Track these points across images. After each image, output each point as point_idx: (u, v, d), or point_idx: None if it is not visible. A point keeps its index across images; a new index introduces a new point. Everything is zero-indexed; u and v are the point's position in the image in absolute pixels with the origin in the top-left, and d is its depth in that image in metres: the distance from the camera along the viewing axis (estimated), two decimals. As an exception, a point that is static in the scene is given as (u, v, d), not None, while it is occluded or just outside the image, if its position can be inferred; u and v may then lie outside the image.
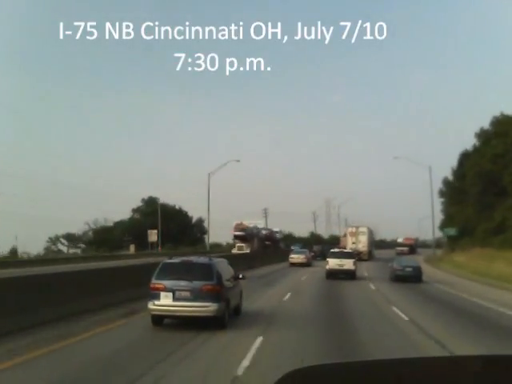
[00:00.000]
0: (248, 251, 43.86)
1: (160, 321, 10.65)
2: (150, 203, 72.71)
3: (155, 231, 62.11)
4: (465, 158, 54.61)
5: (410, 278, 23.86)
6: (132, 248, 58.76)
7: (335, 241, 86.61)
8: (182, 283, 10.29)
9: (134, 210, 76.94)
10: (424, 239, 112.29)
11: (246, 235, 47.31)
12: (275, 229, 63.71)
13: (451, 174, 58.68)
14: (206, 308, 10.14)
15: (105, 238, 66.73)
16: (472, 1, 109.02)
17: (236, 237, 48.03)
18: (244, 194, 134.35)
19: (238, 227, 48.10)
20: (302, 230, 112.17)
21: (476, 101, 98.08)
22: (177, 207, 78.48)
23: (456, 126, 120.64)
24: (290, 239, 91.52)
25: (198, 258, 11.88)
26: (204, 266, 10.77)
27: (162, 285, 10.33)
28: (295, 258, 39.21)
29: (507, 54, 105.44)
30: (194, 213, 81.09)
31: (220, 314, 10.29)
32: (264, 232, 55.82)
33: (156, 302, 10.26)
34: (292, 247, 57.02)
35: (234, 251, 44.30)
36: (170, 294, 10.24)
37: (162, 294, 10.26)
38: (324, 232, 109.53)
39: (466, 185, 49.70)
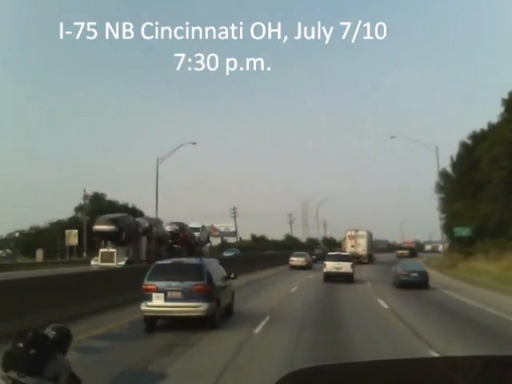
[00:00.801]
0: (123, 263, 28.30)
1: (152, 322, 13.95)
2: (96, 200, 74.97)
3: (75, 231, 58.08)
4: (475, 140, 55.54)
5: (416, 284, 26.79)
6: (39, 254, 54.63)
7: (313, 244, 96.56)
8: (174, 284, 13.64)
9: (77, 209, 78.87)
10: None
11: (120, 232, 29.25)
12: (193, 224, 46.75)
13: (450, 165, 61.52)
14: (197, 308, 13.50)
15: (36, 242, 68.10)
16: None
17: (98, 234, 30.17)
18: (215, 194, 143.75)
19: (104, 220, 30.30)
20: (277, 233, 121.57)
21: (474, 100, 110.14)
22: (130, 206, 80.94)
23: (452, 124, 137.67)
24: (262, 242, 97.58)
25: (188, 259, 15.33)
26: (194, 267, 14.20)
27: (153, 286, 13.69)
28: (295, 260, 46.64)
29: (507, 51, 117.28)
30: (153, 213, 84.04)
31: (211, 314, 13.67)
32: (168, 228, 38.32)
33: (148, 303, 13.60)
34: (225, 253, 57.65)
35: (95, 263, 29.22)
36: (162, 295, 13.59)
37: (154, 294, 13.60)
38: (301, 235, 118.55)
39: (477, 174, 49.54)
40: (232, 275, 16.31)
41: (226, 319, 15.21)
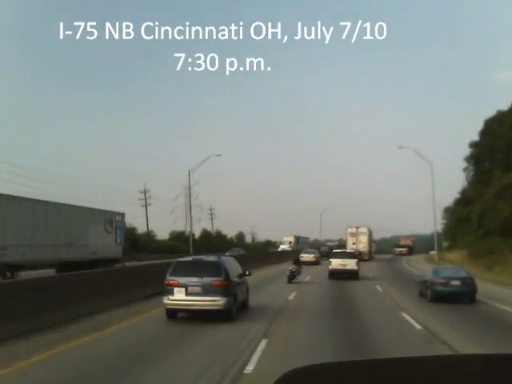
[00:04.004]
0: None
1: (174, 314, 14.85)
2: None
3: None
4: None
5: (459, 296, 19.87)
6: None
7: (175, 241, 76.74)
8: (194, 279, 14.50)
9: None
10: (329, 237, 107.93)
11: None
12: None
13: (479, 134, 59.05)
14: (215, 302, 14.35)
15: None
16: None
17: None
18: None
19: None
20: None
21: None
22: None
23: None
24: None
25: (207, 257, 16.28)
26: (213, 264, 15.09)
27: (175, 281, 14.56)
28: (305, 257, 50.08)
29: (506, 52, 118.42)
30: None
31: (228, 307, 14.51)
32: None
33: (170, 297, 14.48)
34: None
35: None
36: (183, 290, 14.46)
37: (176, 289, 14.47)
38: (182, 228, 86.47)
39: None
40: (247, 272, 17.26)
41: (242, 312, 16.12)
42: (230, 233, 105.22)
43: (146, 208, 78.48)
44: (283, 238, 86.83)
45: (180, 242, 73.04)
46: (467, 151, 64.52)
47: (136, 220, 75.75)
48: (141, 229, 76.06)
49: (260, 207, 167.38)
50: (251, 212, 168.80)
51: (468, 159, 64.38)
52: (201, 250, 65.21)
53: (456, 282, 19.90)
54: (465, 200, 64.19)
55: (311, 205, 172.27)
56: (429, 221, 64.47)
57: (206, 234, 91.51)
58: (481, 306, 19.29)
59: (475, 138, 62.63)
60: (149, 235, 75.51)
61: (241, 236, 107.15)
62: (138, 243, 64.80)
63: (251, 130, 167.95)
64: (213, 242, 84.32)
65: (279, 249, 77.49)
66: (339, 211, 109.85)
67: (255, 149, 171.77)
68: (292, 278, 27.85)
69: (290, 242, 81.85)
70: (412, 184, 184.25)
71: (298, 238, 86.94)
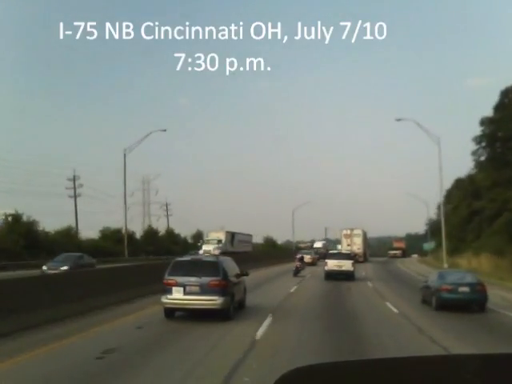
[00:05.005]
0: None
1: (172, 313, 14.99)
2: None
3: None
4: None
5: (467, 304, 18.14)
6: None
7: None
8: (192, 279, 14.63)
9: None
10: (300, 239, 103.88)
11: None
12: None
13: (494, 109, 46.40)
14: (213, 301, 14.48)
15: None
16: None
17: None
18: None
19: None
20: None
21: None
22: None
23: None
24: None
25: (206, 257, 16.46)
26: (211, 264, 15.25)
27: (174, 280, 14.69)
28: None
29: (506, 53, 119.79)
30: None
31: (226, 307, 14.64)
32: None
33: (169, 296, 14.61)
34: None
35: None
36: (181, 289, 14.58)
37: (174, 288, 14.60)
38: (138, 227, 77.19)
39: None
40: (245, 272, 17.46)
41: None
42: (191, 233, 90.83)
43: (75, 199, 65.03)
44: (208, 234, 65.16)
45: (114, 241, 58.99)
46: (477, 130, 50.38)
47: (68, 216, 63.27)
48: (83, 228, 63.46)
49: (232, 206, 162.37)
50: (222, 211, 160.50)
51: (478, 140, 49.63)
52: (141, 253, 58.32)
53: (464, 289, 17.97)
54: (473, 190, 53.20)
55: (284, 205, 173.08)
56: (403, 222, 63.55)
57: (150, 234, 74.28)
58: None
59: (475, 133, 50.41)
60: (67, 233, 57.05)
61: (198, 236, 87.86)
62: (36, 243, 47.80)
63: (233, 129, 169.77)
64: (160, 242, 71.29)
65: (201, 251, 52.62)
66: (311, 212, 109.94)
67: (240, 148, 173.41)
68: (297, 272, 35.21)
69: (220, 241, 59.99)
70: (385, 184, 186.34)
71: (232, 235, 65.92)
